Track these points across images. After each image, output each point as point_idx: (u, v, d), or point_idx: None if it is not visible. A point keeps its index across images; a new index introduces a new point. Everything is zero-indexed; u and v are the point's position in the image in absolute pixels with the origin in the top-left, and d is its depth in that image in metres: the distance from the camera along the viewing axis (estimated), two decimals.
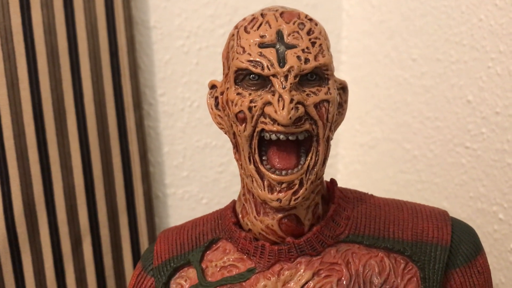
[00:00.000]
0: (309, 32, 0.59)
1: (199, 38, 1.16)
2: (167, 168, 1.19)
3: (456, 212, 1.01)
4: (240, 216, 0.66)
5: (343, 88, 0.64)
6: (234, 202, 0.69)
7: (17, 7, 0.98)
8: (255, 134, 0.59)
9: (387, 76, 1.14)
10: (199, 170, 1.21)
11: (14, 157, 1.00)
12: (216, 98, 0.65)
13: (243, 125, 0.59)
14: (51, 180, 1.04)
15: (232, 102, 0.59)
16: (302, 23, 0.59)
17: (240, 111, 0.59)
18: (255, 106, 0.58)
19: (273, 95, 0.57)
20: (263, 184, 0.59)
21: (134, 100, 1.10)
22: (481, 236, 0.95)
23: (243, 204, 0.65)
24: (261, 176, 0.59)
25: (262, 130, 0.58)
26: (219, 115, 0.65)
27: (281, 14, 0.60)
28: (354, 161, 1.23)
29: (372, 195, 0.68)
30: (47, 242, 1.05)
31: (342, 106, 0.64)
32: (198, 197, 1.23)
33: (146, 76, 1.15)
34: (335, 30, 1.26)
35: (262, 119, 0.58)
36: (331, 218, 0.63)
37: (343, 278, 0.60)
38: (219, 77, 1.19)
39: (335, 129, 0.62)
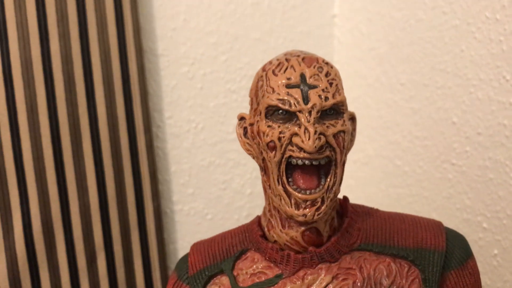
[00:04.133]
0: (327, 74, 0.69)
1: (203, 65, 1.21)
2: (174, 186, 1.23)
3: (444, 222, 1.06)
4: (266, 229, 0.74)
5: (352, 119, 0.74)
6: (258, 217, 0.77)
7: (37, 39, 1.02)
8: (283, 160, 0.68)
9: (378, 99, 1.20)
10: (203, 188, 1.25)
11: (33, 178, 1.04)
12: (245, 128, 0.74)
13: (273, 152, 0.68)
14: (67, 199, 1.07)
15: (264, 133, 0.68)
16: (321, 67, 0.69)
17: (271, 141, 0.67)
18: (284, 137, 0.67)
19: (299, 127, 0.66)
20: (290, 202, 0.68)
21: (144, 123, 1.13)
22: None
23: (269, 219, 0.73)
24: (288, 195, 0.68)
25: (290, 156, 0.67)
26: (248, 143, 0.73)
27: (303, 59, 0.69)
28: (348, 176, 1.28)
29: (377, 209, 0.78)
30: (64, 258, 1.08)
31: (352, 134, 0.73)
32: (203, 213, 1.26)
33: (154, 101, 1.18)
34: (327, 55, 1.31)
35: (289, 147, 0.67)
36: (345, 230, 0.72)
37: (357, 281, 0.69)
38: (222, 100, 1.23)
39: (347, 154, 0.72)
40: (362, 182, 1.27)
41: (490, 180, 0.99)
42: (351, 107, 1.26)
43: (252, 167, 1.29)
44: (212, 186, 1.26)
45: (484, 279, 1.01)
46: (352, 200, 1.29)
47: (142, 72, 1.13)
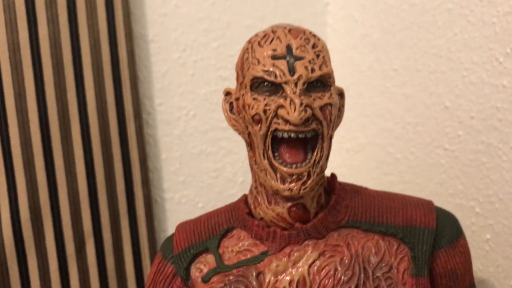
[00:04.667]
0: (314, 46, 0.67)
1: (194, 51, 1.20)
2: (165, 173, 1.22)
3: None
4: (252, 207, 0.73)
5: (341, 94, 0.73)
6: (245, 195, 0.76)
7: (25, 22, 1.00)
8: (269, 133, 0.66)
9: (370, 86, 1.20)
10: (195, 176, 1.24)
11: (21, 165, 1.02)
12: (231, 103, 0.72)
13: (259, 125, 0.66)
14: (56, 186, 1.06)
15: (249, 106, 0.67)
16: (308, 39, 0.68)
17: (256, 114, 0.66)
18: (269, 109, 0.66)
19: (285, 99, 0.65)
20: (276, 176, 0.66)
21: (134, 110, 1.12)
22: None
23: (255, 196, 0.72)
24: (274, 169, 0.67)
25: (275, 129, 0.66)
26: (234, 118, 0.72)
27: (289, 30, 0.68)
28: (340, 165, 1.29)
29: (366, 188, 0.76)
30: (52, 245, 1.07)
31: (340, 109, 0.72)
32: (194, 201, 1.25)
33: (145, 87, 1.17)
34: None
35: (275, 120, 0.66)
36: (333, 206, 0.71)
37: (345, 258, 0.68)
38: (213, 87, 1.23)
39: (335, 129, 0.70)
40: (355, 170, 1.27)
41: (482, 164, 0.98)
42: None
43: (244, 155, 1.28)
44: (204, 174, 1.25)
45: (476, 264, 1.00)
46: None
47: (132, 58, 1.12)
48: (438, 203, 1.06)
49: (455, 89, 1.02)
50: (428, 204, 0.73)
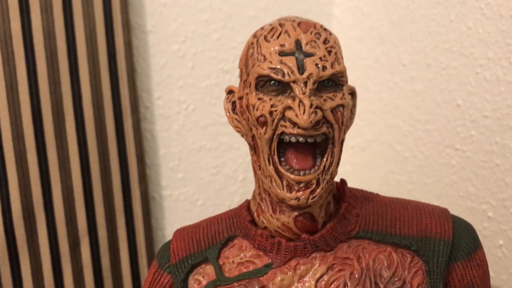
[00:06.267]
0: (325, 41, 0.62)
1: (194, 43, 1.17)
2: (163, 170, 1.20)
3: None
4: (255, 214, 0.68)
5: (352, 94, 0.68)
6: (248, 201, 0.71)
7: (17, 11, 0.98)
8: (275, 137, 0.61)
9: (378, 80, 1.17)
10: (194, 172, 1.22)
11: (13, 160, 1.00)
12: (234, 102, 0.68)
13: (264, 128, 0.61)
14: (49, 182, 1.05)
15: (254, 106, 0.62)
16: (318, 33, 0.63)
17: (262, 115, 0.61)
18: (276, 111, 0.61)
19: (294, 100, 0.60)
20: (282, 184, 0.62)
21: (132, 103, 1.11)
22: None
23: (259, 203, 0.67)
24: (280, 176, 0.62)
25: (282, 133, 0.61)
26: (236, 119, 0.67)
27: (299, 24, 0.63)
28: (345, 162, 1.26)
29: (377, 194, 0.72)
30: (45, 244, 1.05)
31: (351, 110, 0.67)
32: (193, 198, 1.24)
33: (142, 80, 1.16)
34: None
35: (282, 122, 0.61)
36: (342, 215, 0.66)
37: (355, 272, 0.63)
38: (214, 80, 1.21)
39: (346, 132, 0.66)
40: (360, 168, 1.24)
41: (496, 166, 0.96)
42: None
43: (245, 152, 1.26)
44: (203, 170, 1.23)
45: None
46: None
47: (130, 49, 1.10)
48: (448, 205, 1.04)
49: (468, 86, 0.99)
50: (443, 213, 0.69)
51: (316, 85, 0.60)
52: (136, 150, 1.13)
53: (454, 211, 1.04)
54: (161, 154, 1.20)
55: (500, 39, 0.92)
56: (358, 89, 1.22)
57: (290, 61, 0.61)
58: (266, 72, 0.61)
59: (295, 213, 0.64)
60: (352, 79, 1.23)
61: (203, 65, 1.19)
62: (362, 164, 1.23)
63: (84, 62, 1.05)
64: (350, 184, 1.27)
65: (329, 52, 0.62)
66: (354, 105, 0.68)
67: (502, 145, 0.94)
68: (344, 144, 1.31)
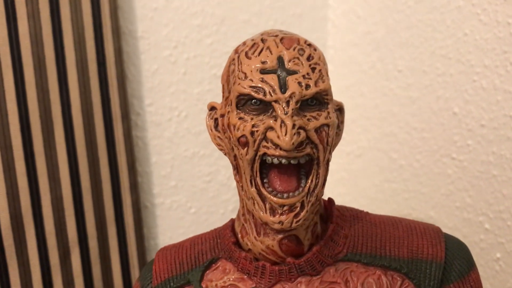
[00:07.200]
0: (309, 58, 0.60)
1: (186, 48, 1.16)
2: (155, 178, 1.19)
3: (443, 221, 1.03)
4: (239, 236, 0.66)
5: (339, 110, 0.65)
6: (232, 221, 0.69)
7: (3, 19, 0.96)
8: (257, 158, 0.59)
9: (373, 86, 1.15)
10: (187, 180, 1.21)
11: (0, 169, 0.99)
12: (216, 119, 0.65)
13: (245, 149, 0.59)
14: (38, 192, 1.03)
15: (234, 126, 0.60)
16: (302, 49, 0.60)
17: (242, 136, 0.59)
18: (257, 131, 0.59)
19: (275, 120, 0.58)
20: (265, 207, 0.60)
21: (122, 110, 1.09)
22: (467, 245, 0.97)
23: (243, 224, 0.65)
24: (263, 198, 0.60)
25: (264, 154, 0.59)
26: (218, 137, 0.65)
27: (281, 39, 0.61)
28: (340, 169, 1.24)
29: (367, 213, 0.70)
30: (35, 255, 1.04)
31: (339, 127, 0.65)
32: (186, 206, 1.22)
33: (133, 86, 1.14)
34: (320, 39, 1.27)
35: (264, 143, 0.59)
36: (330, 237, 0.64)
37: None
38: (206, 86, 1.19)
39: (332, 151, 0.63)
40: (355, 175, 1.22)
41: (493, 177, 0.94)
42: (344, 95, 1.21)
43: None
44: (196, 178, 1.22)
45: (484, 285, 0.97)
46: (344, 194, 1.24)
47: (120, 55, 1.09)
48: (444, 216, 1.02)
49: (465, 94, 0.97)
50: (436, 232, 0.67)
51: (299, 104, 0.58)
52: (127, 158, 1.11)
53: (450, 222, 1.02)
54: (153, 162, 1.18)
55: (497, 46, 0.90)
56: (353, 95, 1.20)
57: (272, 79, 0.58)
58: (247, 90, 0.59)
59: (280, 236, 0.62)
60: (347, 85, 1.22)
61: (195, 71, 1.17)
62: (357, 172, 1.22)
63: (73, 69, 1.04)
64: (346, 190, 1.26)
65: (313, 69, 0.60)
66: (342, 121, 0.65)
67: (499, 155, 0.93)
68: (340, 149, 1.29)
